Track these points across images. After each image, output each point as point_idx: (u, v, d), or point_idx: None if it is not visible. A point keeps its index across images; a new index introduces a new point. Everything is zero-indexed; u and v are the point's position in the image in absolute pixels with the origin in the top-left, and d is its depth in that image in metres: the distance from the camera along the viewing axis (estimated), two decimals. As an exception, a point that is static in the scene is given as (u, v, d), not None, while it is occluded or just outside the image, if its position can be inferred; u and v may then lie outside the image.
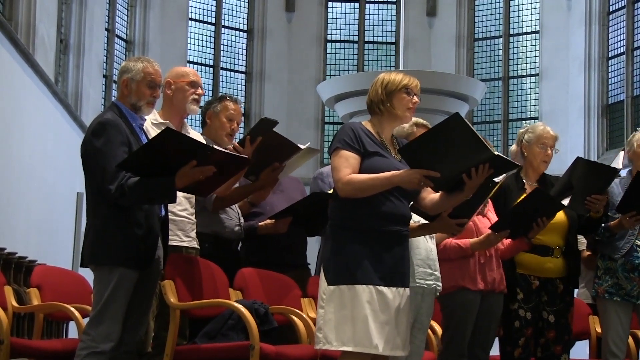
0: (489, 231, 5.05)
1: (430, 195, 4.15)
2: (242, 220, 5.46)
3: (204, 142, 5.25)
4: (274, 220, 5.48)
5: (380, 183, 3.96)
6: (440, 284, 5.07)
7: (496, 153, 3.86)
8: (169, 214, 4.56)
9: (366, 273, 3.94)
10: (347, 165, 4.00)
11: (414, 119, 4.97)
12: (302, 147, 5.16)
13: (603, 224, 5.43)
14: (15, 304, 5.25)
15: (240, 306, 4.70)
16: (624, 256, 5.43)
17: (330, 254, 4.02)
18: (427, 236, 5.02)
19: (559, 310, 5.38)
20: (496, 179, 4.27)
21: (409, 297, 4.12)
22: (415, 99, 4.18)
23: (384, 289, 3.97)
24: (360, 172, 4.01)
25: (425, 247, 4.98)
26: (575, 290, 5.71)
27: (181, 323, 4.83)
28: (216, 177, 4.27)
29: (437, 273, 5.05)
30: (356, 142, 4.04)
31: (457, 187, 3.97)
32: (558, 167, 5.85)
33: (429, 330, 5.69)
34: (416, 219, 4.48)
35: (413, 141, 3.98)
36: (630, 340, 5.86)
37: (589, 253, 5.98)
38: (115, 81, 4.56)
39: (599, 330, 6.01)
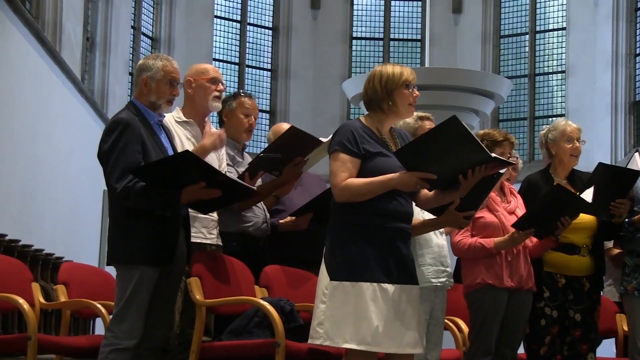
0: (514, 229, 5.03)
1: (424, 191, 4.10)
2: (268, 216, 5.46)
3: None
4: (294, 218, 5.48)
5: (377, 187, 3.91)
6: (452, 279, 5.08)
7: (493, 155, 3.85)
8: (191, 211, 4.57)
9: (370, 270, 3.89)
10: (344, 170, 3.95)
11: (416, 113, 4.92)
12: (324, 140, 5.16)
13: (627, 219, 5.37)
14: (42, 300, 5.28)
15: (266, 303, 4.70)
16: (653, 251, 5.38)
17: (333, 250, 3.97)
18: (437, 232, 5.00)
19: (585, 309, 5.34)
20: (501, 171, 4.25)
21: (419, 294, 4.06)
22: (416, 92, 4.10)
23: (388, 286, 3.90)
24: (364, 173, 3.96)
25: (437, 243, 4.97)
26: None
27: (206, 320, 4.84)
28: (219, 200, 4.33)
29: (449, 269, 5.05)
30: (355, 145, 3.98)
31: (451, 186, 3.94)
32: (585, 164, 5.80)
33: (455, 328, 5.68)
34: (419, 216, 4.47)
35: (409, 144, 3.94)
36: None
37: (618, 251, 5.94)
38: (139, 78, 4.55)
39: (625, 328, 5.97)
